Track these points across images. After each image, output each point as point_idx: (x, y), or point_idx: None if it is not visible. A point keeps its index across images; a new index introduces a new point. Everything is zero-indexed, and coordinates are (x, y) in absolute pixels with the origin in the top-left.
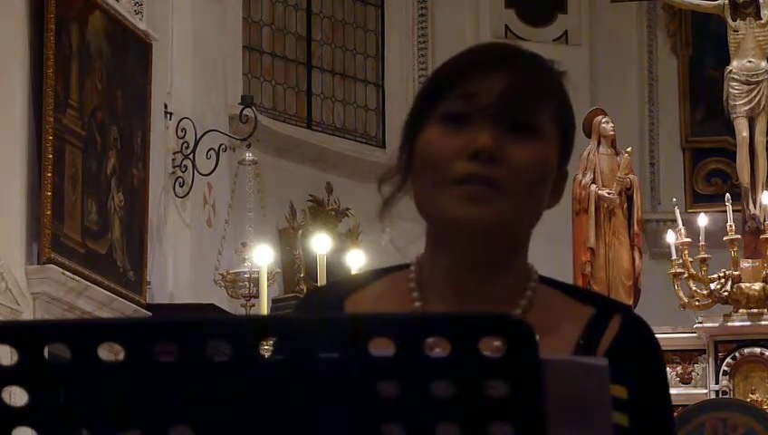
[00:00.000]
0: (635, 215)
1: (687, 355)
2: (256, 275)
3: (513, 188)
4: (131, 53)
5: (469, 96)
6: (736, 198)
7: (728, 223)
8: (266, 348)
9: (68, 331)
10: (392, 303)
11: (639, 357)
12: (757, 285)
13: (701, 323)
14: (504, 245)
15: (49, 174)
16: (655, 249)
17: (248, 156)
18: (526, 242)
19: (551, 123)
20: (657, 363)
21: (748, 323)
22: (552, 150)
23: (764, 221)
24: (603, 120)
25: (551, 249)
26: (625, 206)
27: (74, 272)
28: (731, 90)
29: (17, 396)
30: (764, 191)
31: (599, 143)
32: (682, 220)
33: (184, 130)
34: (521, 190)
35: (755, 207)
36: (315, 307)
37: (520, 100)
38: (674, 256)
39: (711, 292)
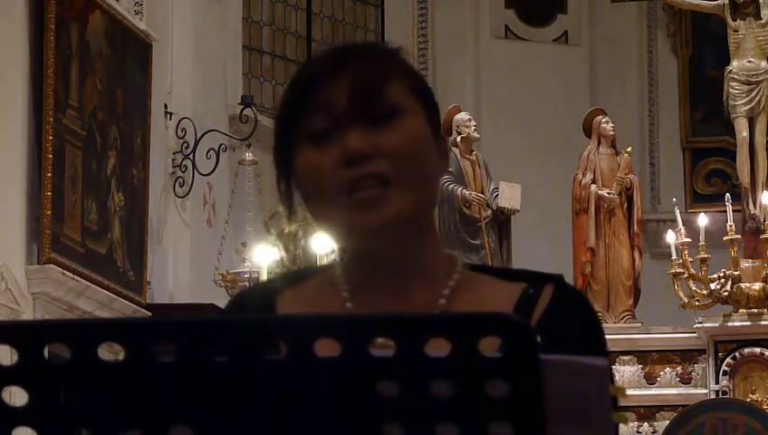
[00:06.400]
0: (635, 215)
1: (687, 355)
2: (256, 275)
3: (398, 175)
4: (131, 53)
5: (322, 109)
6: (736, 198)
7: (728, 223)
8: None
9: (68, 331)
10: (323, 301)
11: (573, 325)
12: (757, 285)
13: (701, 323)
14: (410, 233)
15: (49, 174)
16: (655, 249)
17: (248, 156)
18: (432, 227)
19: (409, 98)
20: (591, 331)
21: (748, 323)
22: (421, 121)
23: (764, 221)
24: (603, 120)
25: (551, 249)
26: (625, 206)
27: (74, 272)
28: (731, 90)
29: (17, 396)
30: (764, 191)
31: (599, 143)
32: (682, 220)
33: (184, 130)
34: (406, 173)
35: (755, 208)
36: (245, 307)
37: (369, 91)
38: (674, 256)
39: (711, 292)
